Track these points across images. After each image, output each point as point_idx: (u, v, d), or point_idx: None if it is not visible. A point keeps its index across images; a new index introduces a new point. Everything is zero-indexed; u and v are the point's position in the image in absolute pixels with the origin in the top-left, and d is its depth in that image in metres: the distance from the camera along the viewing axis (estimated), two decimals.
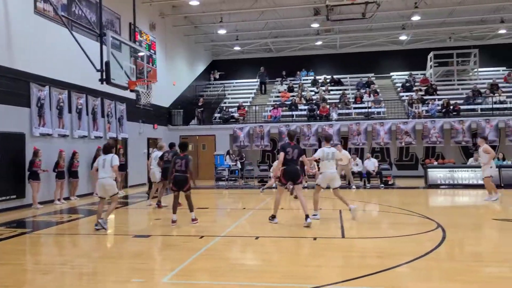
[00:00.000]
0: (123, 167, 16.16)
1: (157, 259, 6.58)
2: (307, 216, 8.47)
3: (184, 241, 7.51)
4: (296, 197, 12.05)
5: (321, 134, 19.20)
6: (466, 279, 5.12)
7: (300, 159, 9.03)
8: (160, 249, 7.16)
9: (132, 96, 17.18)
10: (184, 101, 23.82)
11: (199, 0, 19.67)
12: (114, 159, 8.37)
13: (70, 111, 13.88)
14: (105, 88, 12.61)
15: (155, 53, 19.87)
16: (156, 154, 12.04)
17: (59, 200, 12.75)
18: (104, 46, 10.90)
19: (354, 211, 9.27)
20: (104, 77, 10.94)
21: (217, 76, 28.87)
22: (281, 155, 8.74)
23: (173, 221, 8.75)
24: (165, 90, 20.98)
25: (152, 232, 8.39)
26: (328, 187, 9.68)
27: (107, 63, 10.68)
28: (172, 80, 22.30)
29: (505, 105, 21.09)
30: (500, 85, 22.95)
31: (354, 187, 16.13)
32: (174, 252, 6.75)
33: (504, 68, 25.65)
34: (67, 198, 13.27)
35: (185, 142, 9.80)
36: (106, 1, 14.52)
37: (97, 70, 10.99)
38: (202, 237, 7.62)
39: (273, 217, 8.97)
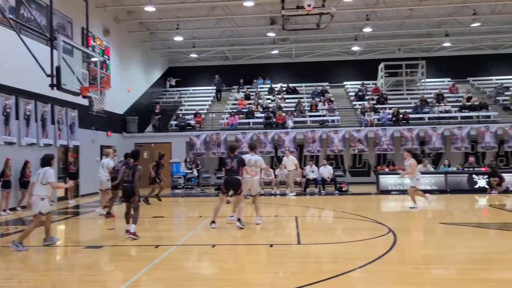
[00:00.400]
0: (74, 176, 15.65)
1: (109, 270, 6.39)
2: (238, 219, 9.12)
3: (139, 251, 7.35)
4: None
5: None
6: (416, 281, 5.33)
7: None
8: (113, 260, 6.96)
9: (85, 102, 16.65)
10: (139, 108, 23.36)
11: (155, 6, 19.44)
12: (46, 175, 7.42)
13: (17, 117, 13.26)
14: (56, 94, 12.12)
15: (109, 59, 19.40)
16: (103, 161, 11.81)
17: (4, 210, 12.10)
18: (54, 51, 10.52)
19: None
20: (54, 82, 10.55)
21: (173, 83, 28.58)
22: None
23: (127, 231, 8.53)
24: (119, 97, 20.51)
25: (105, 242, 8.13)
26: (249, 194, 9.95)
27: (58, 68, 10.30)
28: (127, 86, 21.84)
29: (450, 114, 22.26)
30: (445, 95, 24.19)
31: (292, 194, 16.31)
32: (128, 263, 6.58)
33: (449, 79, 27.10)
34: (13, 209, 12.63)
35: (136, 150, 9.10)
36: (57, 4, 14.03)
37: (47, 75, 10.57)
38: (157, 246, 7.49)
39: (212, 222, 9.27)
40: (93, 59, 13.82)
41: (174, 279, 5.59)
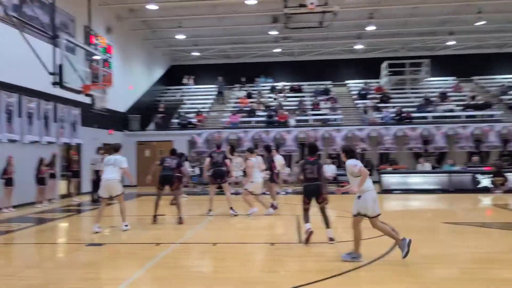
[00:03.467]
0: (77, 174, 15.63)
1: (110, 268, 6.37)
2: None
3: (140, 249, 7.34)
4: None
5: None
6: (414, 280, 5.30)
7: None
8: (114, 258, 6.95)
9: (87, 100, 16.65)
10: (142, 106, 23.37)
11: (157, 5, 19.41)
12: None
13: (20, 115, 13.28)
14: (58, 92, 12.17)
15: (111, 57, 19.39)
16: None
17: (7, 208, 12.13)
18: (57, 49, 10.54)
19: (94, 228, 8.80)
20: (57, 80, 10.58)
21: (190, 81, 28.26)
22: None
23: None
24: (121, 95, 20.51)
25: (106, 240, 8.13)
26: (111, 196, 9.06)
27: (60, 66, 10.34)
28: (129, 84, 21.85)
29: (453, 113, 22.14)
30: (449, 94, 24.08)
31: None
32: (129, 261, 6.57)
33: (453, 78, 26.93)
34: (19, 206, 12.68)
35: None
36: (60, 2, 14.04)
37: (50, 73, 10.60)
38: (158, 244, 7.47)
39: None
40: (96, 57, 13.84)
41: (175, 277, 5.58)
